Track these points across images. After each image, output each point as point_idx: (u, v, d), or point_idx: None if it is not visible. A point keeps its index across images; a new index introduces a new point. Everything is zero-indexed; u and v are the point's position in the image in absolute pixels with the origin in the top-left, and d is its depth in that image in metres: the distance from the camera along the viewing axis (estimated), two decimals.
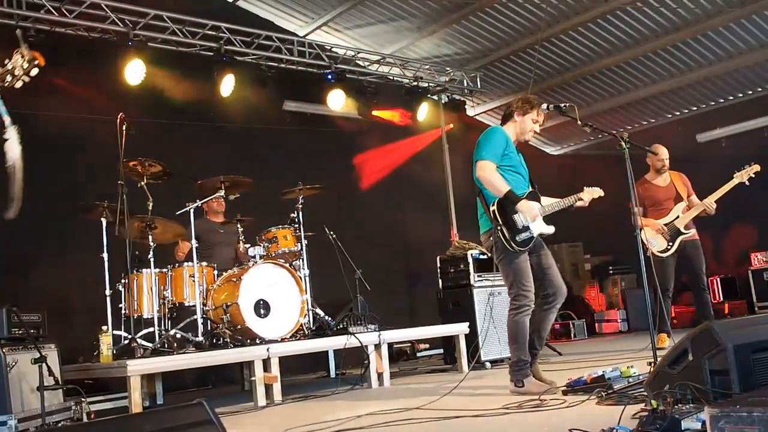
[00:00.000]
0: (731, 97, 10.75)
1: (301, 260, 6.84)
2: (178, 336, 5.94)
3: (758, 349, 2.95)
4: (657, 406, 3.00)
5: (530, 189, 4.91)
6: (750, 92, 10.53)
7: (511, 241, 4.68)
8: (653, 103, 11.24)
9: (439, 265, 7.77)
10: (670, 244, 7.04)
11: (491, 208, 4.75)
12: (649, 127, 11.72)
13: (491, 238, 4.82)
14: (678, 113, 11.42)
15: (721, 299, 10.03)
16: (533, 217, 4.73)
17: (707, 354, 3.04)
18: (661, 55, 9.96)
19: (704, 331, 3.12)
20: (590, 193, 5.03)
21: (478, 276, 7.36)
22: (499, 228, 4.69)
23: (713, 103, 10.97)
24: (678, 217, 7.08)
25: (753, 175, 6.81)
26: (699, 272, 7.07)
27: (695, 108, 11.19)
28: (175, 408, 2.33)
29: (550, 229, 4.88)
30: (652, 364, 3.87)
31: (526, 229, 4.73)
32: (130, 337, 5.74)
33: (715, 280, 10.06)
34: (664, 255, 7.02)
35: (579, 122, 4.83)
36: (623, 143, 4.61)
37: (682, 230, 7.05)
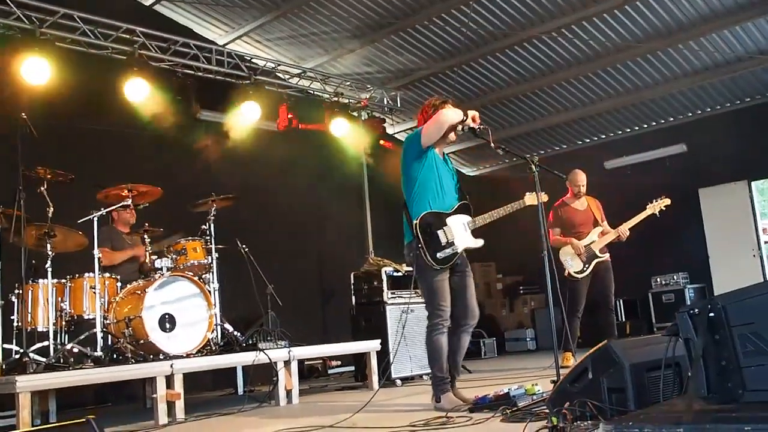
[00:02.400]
0: (637, 128, 11.22)
1: (210, 273, 6.68)
2: (76, 350, 5.66)
3: (652, 367, 3.04)
4: (557, 423, 3.05)
5: (461, 201, 4.93)
6: (654, 123, 11.02)
7: (431, 258, 4.68)
8: (565, 129, 11.60)
9: (352, 281, 7.74)
10: (586, 266, 7.27)
11: (414, 223, 4.72)
12: (561, 153, 12.09)
13: (412, 252, 4.79)
14: (588, 140, 11.82)
15: (623, 319, 10.41)
16: None
17: (606, 372, 3.12)
18: (574, 84, 10.31)
19: (603, 350, 3.20)
20: (532, 199, 5.04)
21: (391, 293, 7.37)
22: (420, 245, 4.67)
23: (620, 132, 11.42)
24: (594, 241, 7.32)
25: (663, 208, 7.16)
26: (608, 294, 7.32)
27: (603, 136, 11.62)
28: (62, 426, 2.22)
29: (478, 243, 4.89)
30: (556, 382, 3.94)
31: (450, 244, 4.73)
32: (22, 351, 5.38)
33: (618, 301, 10.43)
34: (580, 276, 7.24)
35: (492, 144, 4.89)
36: (533, 167, 4.71)
37: (598, 254, 7.30)
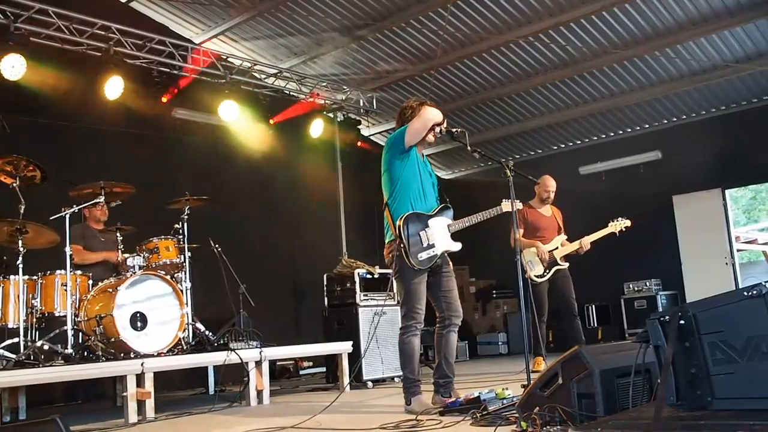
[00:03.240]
0: (612, 134, 11.32)
1: (183, 272, 6.64)
2: (46, 347, 5.60)
3: (622, 374, 3.06)
4: (526, 428, 3.07)
5: (441, 204, 4.94)
6: (629, 130, 11.13)
7: (412, 259, 4.67)
8: (540, 134, 11.68)
9: (325, 282, 7.72)
10: (547, 271, 7.32)
11: (397, 223, 4.71)
12: (536, 157, 12.17)
13: (393, 252, 4.77)
14: (563, 145, 11.91)
15: (595, 325, 10.49)
16: (440, 120, 4.76)
17: (575, 378, 3.13)
18: (550, 89, 10.37)
19: (573, 355, 3.21)
20: (509, 206, 5.07)
21: (364, 295, 7.37)
22: (402, 245, 4.66)
23: (596, 138, 11.51)
24: (557, 248, 7.37)
25: (624, 228, 7.25)
26: (570, 300, 7.37)
27: (579, 142, 11.72)
28: (27, 424, 2.18)
29: (456, 246, 4.90)
30: (526, 387, 3.96)
31: (431, 246, 4.73)
32: None
33: (590, 307, 10.51)
34: (539, 280, 7.28)
35: (468, 148, 4.91)
36: (508, 171, 4.74)
37: (559, 261, 7.35)
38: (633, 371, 2.83)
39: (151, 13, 9.43)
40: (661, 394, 2.44)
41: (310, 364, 9.40)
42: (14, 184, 5.73)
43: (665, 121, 10.77)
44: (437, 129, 4.86)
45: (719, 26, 8.59)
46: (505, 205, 5.13)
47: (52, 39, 7.61)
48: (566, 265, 7.40)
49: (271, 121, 9.92)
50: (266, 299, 8.30)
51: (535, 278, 7.27)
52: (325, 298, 7.68)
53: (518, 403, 3.56)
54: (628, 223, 7.26)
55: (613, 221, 7.29)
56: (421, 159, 4.97)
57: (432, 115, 4.80)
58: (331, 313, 7.58)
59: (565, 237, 7.49)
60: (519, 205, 5.21)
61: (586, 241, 7.29)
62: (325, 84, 10.36)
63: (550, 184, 7.58)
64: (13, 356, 5.39)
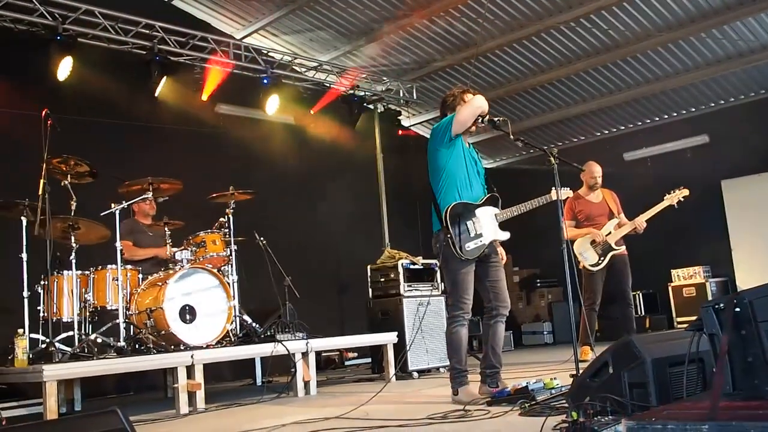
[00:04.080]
0: (657, 119, 11.10)
1: (229, 265, 6.73)
2: (99, 341, 5.75)
3: (675, 363, 3.01)
4: (577, 418, 3.04)
5: (489, 193, 4.91)
6: (675, 114, 10.89)
7: (459, 249, 4.65)
8: (583, 120, 11.52)
9: (369, 274, 7.76)
10: (602, 258, 7.17)
11: (444, 213, 4.70)
12: (579, 144, 12.00)
13: (439, 243, 4.78)
14: (606, 132, 11.73)
15: (643, 313, 10.32)
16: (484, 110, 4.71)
17: (627, 367, 3.09)
18: (592, 75, 10.23)
19: (624, 344, 3.17)
20: (562, 194, 5.02)
21: (408, 286, 7.38)
22: (448, 235, 4.65)
23: (640, 123, 11.31)
24: (610, 232, 7.23)
25: (682, 199, 7.01)
26: (626, 288, 7.21)
27: (623, 127, 11.52)
28: (88, 415, 2.24)
29: (505, 235, 4.88)
30: (575, 376, 3.93)
31: (479, 236, 4.71)
32: (47, 341, 5.51)
33: (637, 295, 10.32)
34: (595, 269, 7.15)
35: (511, 137, 4.86)
36: (552, 159, 4.67)
37: (614, 246, 7.19)
38: (687, 360, 2.77)
39: (193, 11, 9.56)
40: (717, 382, 2.39)
41: (355, 354, 9.46)
42: (66, 182, 5.88)
43: (712, 105, 10.50)
44: (479, 119, 4.83)
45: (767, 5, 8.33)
46: (555, 194, 5.05)
47: (98, 39, 7.79)
48: (622, 248, 7.21)
49: (312, 111, 10.00)
50: (310, 291, 8.35)
51: (590, 268, 7.15)
52: (369, 290, 7.72)
53: (568, 392, 3.53)
54: (686, 192, 7.00)
55: (669, 193, 7.06)
56: (467, 147, 4.95)
57: (480, 102, 4.78)
58: (376, 304, 7.61)
59: (618, 220, 7.27)
60: (570, 192, 5.14)
61: (640, 221, 7.09)
62: (364, 76, 10.38)
63: (596, 169, 7.45)
64: (69, 349, 5.54)
